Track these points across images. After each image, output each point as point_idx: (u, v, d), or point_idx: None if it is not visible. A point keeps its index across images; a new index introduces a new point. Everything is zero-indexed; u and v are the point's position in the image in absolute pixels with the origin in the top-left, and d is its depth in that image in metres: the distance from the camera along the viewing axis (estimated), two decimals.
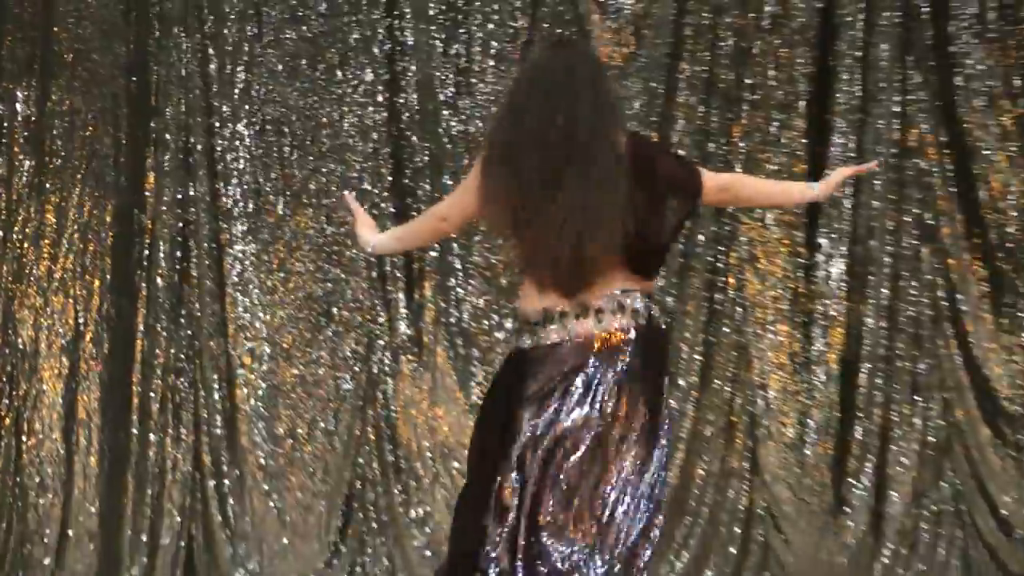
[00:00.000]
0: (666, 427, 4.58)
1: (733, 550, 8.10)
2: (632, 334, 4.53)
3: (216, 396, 8.20)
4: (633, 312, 4.55)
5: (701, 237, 8.25)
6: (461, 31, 8.27)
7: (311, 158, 8.19)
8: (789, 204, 5.46)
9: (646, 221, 4.49)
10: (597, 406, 4.49)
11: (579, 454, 4.47)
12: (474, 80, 8.20)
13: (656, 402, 4.56)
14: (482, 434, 4.63)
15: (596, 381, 4.51)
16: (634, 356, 4.56)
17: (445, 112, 8.06)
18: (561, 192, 4.42)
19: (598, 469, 4.48)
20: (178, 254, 8.27)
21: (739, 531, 8.14)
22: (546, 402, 4.49)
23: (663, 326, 4.73)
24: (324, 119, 8.18)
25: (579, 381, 4.50)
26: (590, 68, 4.64)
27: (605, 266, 4.49)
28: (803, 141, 8.31)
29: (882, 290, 8.29)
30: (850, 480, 8.22)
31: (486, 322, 8.31)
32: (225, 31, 8.29)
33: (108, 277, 8.27)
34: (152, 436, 8.18)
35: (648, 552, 4.56)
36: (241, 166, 8.17)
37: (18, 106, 8.28)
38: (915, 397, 8.26)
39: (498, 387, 4.66)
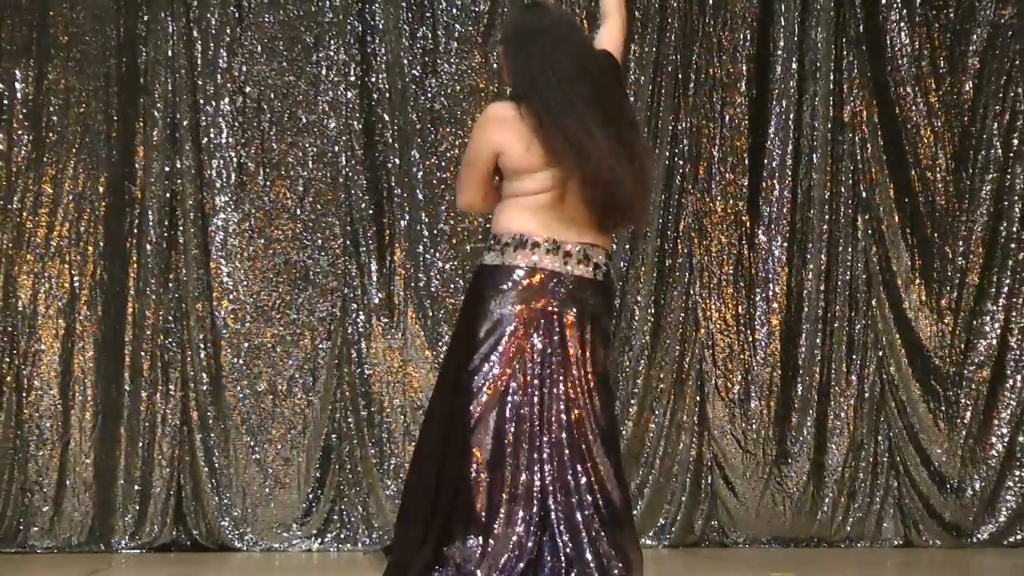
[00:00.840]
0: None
1: (684, 498, 8.36)
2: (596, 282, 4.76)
3: (202, 355, 8.28)
4: (595, 265, 4.77)
5: (650, 208, 8.31)
6: (427, 15, 8.42)
7: (289, 133, 8.30)
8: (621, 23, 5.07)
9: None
10: (565, 343, 4.70)
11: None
12: (439, 61, 8.35)
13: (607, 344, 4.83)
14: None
15: (563, 319, 4.71)
16: (595, 301, 4.77)
17: (413, 89, 8.24)
18: (620, 139, 4.60)
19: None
20: (166, 223, 8.34)
21: (689, 481, 8.38)
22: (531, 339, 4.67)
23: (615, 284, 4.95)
24: (300, 97, 8.29)
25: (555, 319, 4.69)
26: (580, 34, 4.91)
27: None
28: (745, 118, 8.59)
29: (820, 256, 8.55)
30: (792, 433, 8.50)
31: (452, 286, 8.44)
32: (208, 15, 8.36)
33: (101, 244, 8.32)
34: (143, 392, 8.26)
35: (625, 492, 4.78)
36: (224, 141, 8.27)
37: (17, 85, 8.31)
38: (851, 356, 8.55)
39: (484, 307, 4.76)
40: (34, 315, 8.27)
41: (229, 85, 8.39)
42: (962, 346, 8.58)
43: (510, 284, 4.71)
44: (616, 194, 4.62)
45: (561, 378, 4.70)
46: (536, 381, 4.69)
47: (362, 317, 8.29)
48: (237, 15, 8.39)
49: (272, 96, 8.38)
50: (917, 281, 8.61)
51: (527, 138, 4.63)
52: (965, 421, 8.54)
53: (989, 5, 8.63)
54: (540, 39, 4.68)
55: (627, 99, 4.92)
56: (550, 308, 4.69)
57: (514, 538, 4.61)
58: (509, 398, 4.67)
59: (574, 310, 4.71)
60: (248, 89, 8.39)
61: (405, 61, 8.36)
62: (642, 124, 8.38)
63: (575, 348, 4.72)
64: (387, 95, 8.32)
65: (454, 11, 8.35)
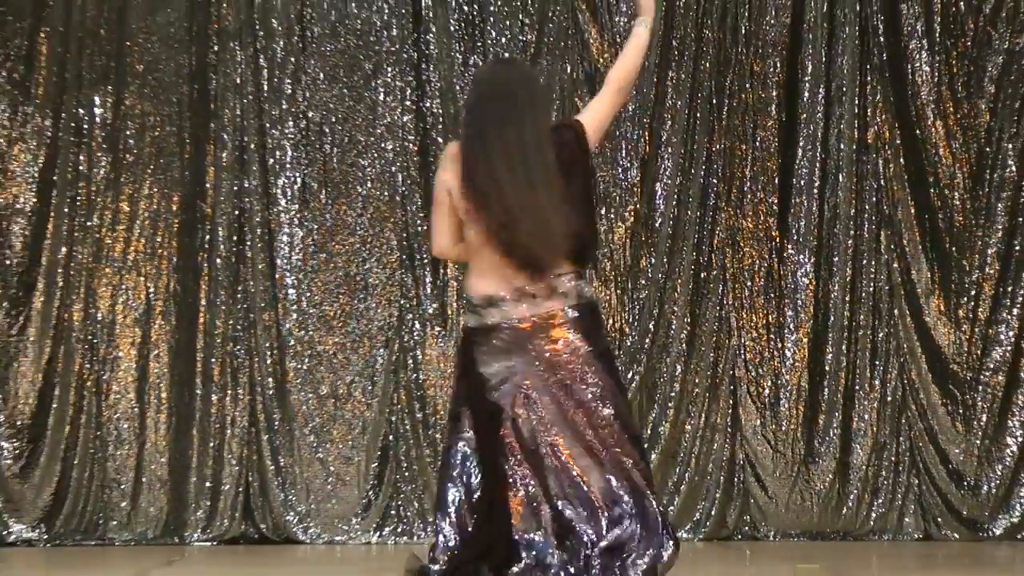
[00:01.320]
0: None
1: (718, 495, 8.53)
2: (569, 313, 4.64)
3: (268, 361, 8.48)
4: (563, 294, 4.63)
5: (687, 223, 8.65)
6: (478, 44, 8.65)
7: (349, 154, 8.54)
8: (641, 52, 4.85)
9: (582, 211, 4.64)
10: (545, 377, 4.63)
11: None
12: None
13: (607, 358, 4.72)
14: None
15: (533, 358, 4.62)
16: (572, 331, 4.65)
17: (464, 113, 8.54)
18: (533, 192, 4.49)
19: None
20: (235, 238, 8.56)
21: (723, 479, 8.55)
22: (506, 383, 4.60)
23: (592, 301, 4.76)
24: (360, 120, 8.55)
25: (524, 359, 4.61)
26: (528, 87, 4.70)
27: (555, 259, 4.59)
28: (775, 140, 8.73)
29: (846, 268, 8.68)
30: (819, 434, 8.63)
31: None
32: (274, 45, 8.59)
33: (175, 258, 8.54)
34: (214, 396, 8.48)
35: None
36: (288, 161, 8.52)
37: (96, 110, 8.55)
38: (875, 362, 8.66)
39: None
40: (112, 324, 8.52)
41: (293, 110, 8.62)
42: (978, 353, 8.65)
43: (489, 344, 4.65)
44: (514, 240, 4.53)
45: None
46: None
47: (417, 326, 8.54)
48: (301, 45, 8.63)
49: (333, 120, 8.61)
50: (936, 292, 8.71)
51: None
52: (981, 423, 8.62)
53: (1004, 34, 8.72)
54: (491, 91, 4.65)
55: (553, 165, 4.61)
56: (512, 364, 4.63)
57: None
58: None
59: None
60: (311, 113, 8.63)
61: (457, 87, 8.59)
62: (679, 146, 8.64)
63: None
64: (440, 118, 8.58)
65: (503, 40, 8.60)
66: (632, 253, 8.76)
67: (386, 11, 8.66)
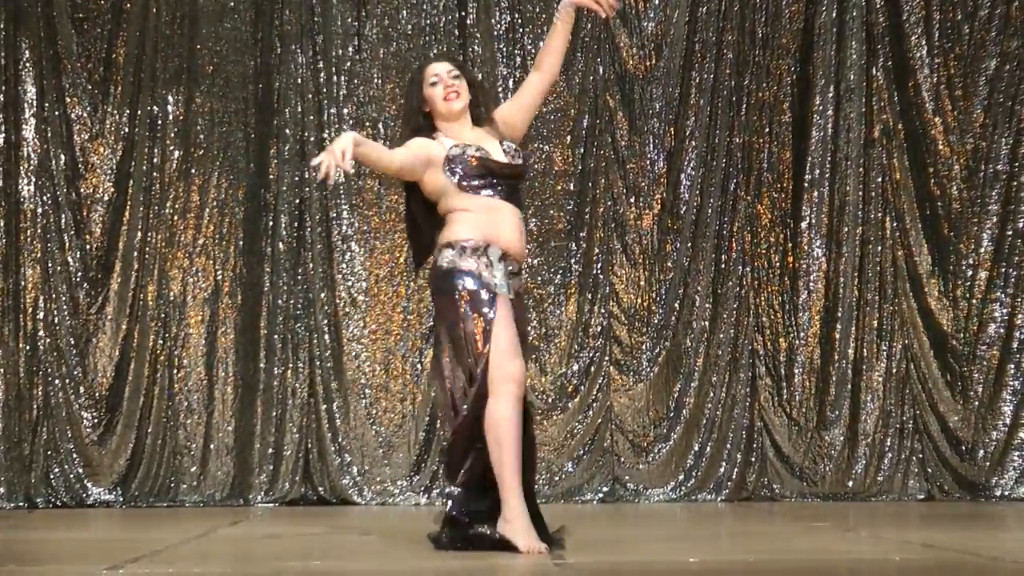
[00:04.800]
0: (444, 331, 5.53)
1: (738, 458, 8.85)
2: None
3: (327, 337, 8.81)
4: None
5: (709, 210, 8.98)
6: (517, 47, 9.03)
7: None
8: (562, 44, 5.70)
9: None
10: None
11: None
12: None
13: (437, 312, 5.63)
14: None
15: None
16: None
17: None
18: None
19: None
20: (295, 224, 8.88)
21: (743, 444, 8.86)
22: None
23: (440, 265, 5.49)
24: None
25: None
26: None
27: None
28: (789, 134, 9.04)
29: (854, 252, 8.97)
30: (830, 404, 8.93)
31: (539, 278, 8.99)
32: (333, 48, 8.95)
33: (240, 243, 8.88)
34: (276, 369, 8.82)
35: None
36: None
37: (168, 108, 8.93)
38: (880, 337, 8.96)
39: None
40: (183, 304, 8.91)
41: (349, 108, 8.97)
42: (974, 329, 8.95)
43: None
44: None
45: None
46: None
47: None
48: (357, 47, 8.99)
49: (386, 116, 8.98)
50: (936, 274, 9.01)
51: None
52: (978, 393, 8.92)
53: (998, 39, 9.02)
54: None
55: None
56: None
57: None
58: None
59: None
60: (366, 111, 9.00)
61: (500, 85, 8.99)
62: (702, 140, 9.01)
63: None
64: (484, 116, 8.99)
65: (540, 44, 8.42)
66: (659, 238, 9.13)
67: (435, 17, 9.06)
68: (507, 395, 5.39)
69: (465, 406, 5.46)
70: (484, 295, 5.47)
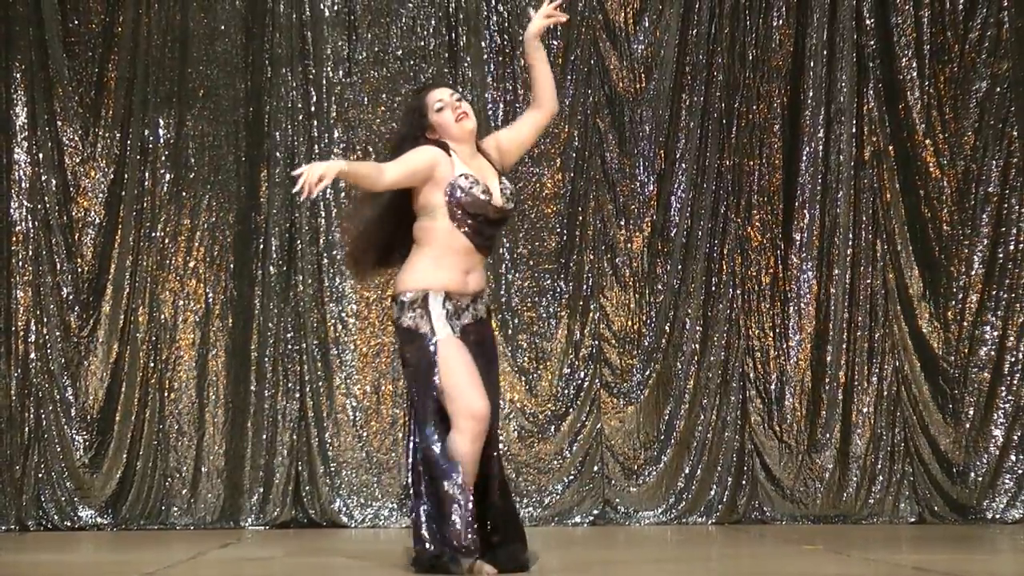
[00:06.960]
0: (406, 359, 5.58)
1: (728, 482, 8.82)
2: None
3: (317, 360, 8.79)
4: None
5: (699, 233, 8.96)
6: (508, 70, 9.05)
7: None
8: (544, 77, 5.78)
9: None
10: None
11: None
12: (519, 108, 8.79)
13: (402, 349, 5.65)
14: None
15: None
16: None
17: None
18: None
19: None
20: (286, 248, 8.86)
21: (733, 467, 8.83)
22: None
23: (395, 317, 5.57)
24: None
25: None
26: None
27: None
28: (779, 156, 9.05)
29: (845, 275, 8.95)
30: (821, 426, 8.89)
31: (529, 301, 8.99)
32: (322, 71, 8.95)
33: (231, 265, 8.86)
34: (267, 392, 8.79)
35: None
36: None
37: (160, 131, 8.93)
38: (872, 360, 8.94)
39: None
40: (174, 327, 8.90)
41: (339, 131, 8.98)
42: (965, 351, 8.91)
43: None
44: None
45: None
46: None
47: None
48: (347, 70, 8.99)
49: (376, 139, 8.97)
50: (927, 297, 8.98)
51: None
52: (969, 416, 8.88)
53: (989, 60, 9.04)
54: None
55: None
56: None
57: None
58: None
59: None
60: (356, 134, 9.00)
61: (490, 108, 9.01)
62: (692, 162, 8.98)
63: None
64: None
65: None
66: (649, 260, 9.12)
67: (425, 40, 9.06)
68: (466, 431, 5.40)
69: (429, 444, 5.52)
70: (428, 345, 5.50)
